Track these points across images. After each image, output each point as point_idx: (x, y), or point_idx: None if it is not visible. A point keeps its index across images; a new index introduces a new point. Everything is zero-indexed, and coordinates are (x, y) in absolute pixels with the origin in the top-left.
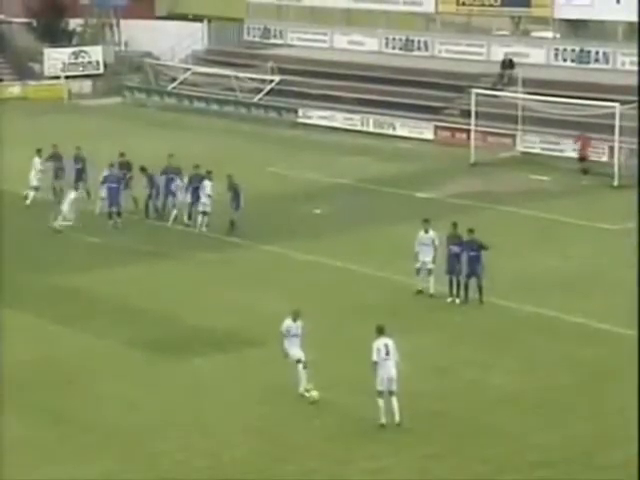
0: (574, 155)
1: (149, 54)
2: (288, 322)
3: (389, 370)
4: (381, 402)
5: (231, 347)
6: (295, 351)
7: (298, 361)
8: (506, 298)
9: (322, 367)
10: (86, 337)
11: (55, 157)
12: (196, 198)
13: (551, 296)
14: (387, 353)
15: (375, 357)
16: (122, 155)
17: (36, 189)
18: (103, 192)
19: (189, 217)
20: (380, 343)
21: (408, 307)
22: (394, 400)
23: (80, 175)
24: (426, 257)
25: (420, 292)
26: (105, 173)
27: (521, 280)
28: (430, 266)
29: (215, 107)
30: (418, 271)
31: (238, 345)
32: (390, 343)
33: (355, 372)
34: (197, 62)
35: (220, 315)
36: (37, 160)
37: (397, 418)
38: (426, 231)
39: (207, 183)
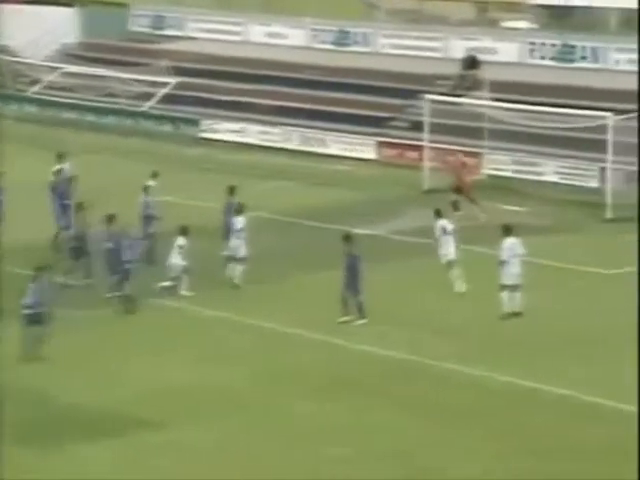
0: (556, 179)
1: (3, 48)
2: None
3: None
4: None
5: (122, 430)
6: None
7: None
8: (474, 365)
9: (246, 456)
10: None
11: None
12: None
13: (532, 361)
14: None
15: None
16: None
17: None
18: None
19: None
20: None
21: (348, 376)
22: None
23: None
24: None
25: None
26: None
27: (490, 340)
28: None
29: (91, 118)
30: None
31: (131, 427)
32: None
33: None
34: (67, 59)
35: (108, 390)
36: None
37: None
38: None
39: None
